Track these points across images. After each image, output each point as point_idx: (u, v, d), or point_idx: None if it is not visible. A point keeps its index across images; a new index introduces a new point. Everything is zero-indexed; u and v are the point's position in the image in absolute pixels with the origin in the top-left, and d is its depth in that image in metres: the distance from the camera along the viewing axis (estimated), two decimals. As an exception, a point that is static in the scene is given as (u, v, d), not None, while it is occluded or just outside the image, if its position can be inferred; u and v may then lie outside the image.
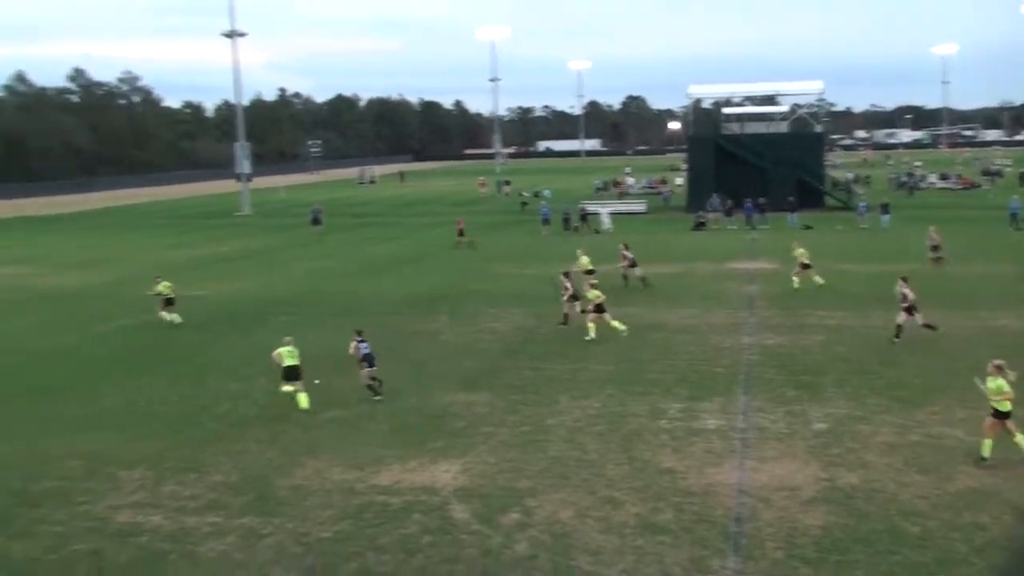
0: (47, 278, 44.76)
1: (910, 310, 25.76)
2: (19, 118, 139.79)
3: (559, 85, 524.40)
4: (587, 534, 14.18)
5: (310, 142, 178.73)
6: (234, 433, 19.72)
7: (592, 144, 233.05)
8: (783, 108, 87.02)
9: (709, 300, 33.47)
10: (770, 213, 58.93)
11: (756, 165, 66.94)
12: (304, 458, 17.96)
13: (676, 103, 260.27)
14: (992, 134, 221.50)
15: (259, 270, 45.77)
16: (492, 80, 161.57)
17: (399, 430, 19.57)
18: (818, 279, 34.66)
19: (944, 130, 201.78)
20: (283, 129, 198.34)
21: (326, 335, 28.12)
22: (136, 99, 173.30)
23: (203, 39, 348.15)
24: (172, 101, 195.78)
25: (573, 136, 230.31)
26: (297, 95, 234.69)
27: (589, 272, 34.00)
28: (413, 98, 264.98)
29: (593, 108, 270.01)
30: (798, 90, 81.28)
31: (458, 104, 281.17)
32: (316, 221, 62.80)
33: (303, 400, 21.16)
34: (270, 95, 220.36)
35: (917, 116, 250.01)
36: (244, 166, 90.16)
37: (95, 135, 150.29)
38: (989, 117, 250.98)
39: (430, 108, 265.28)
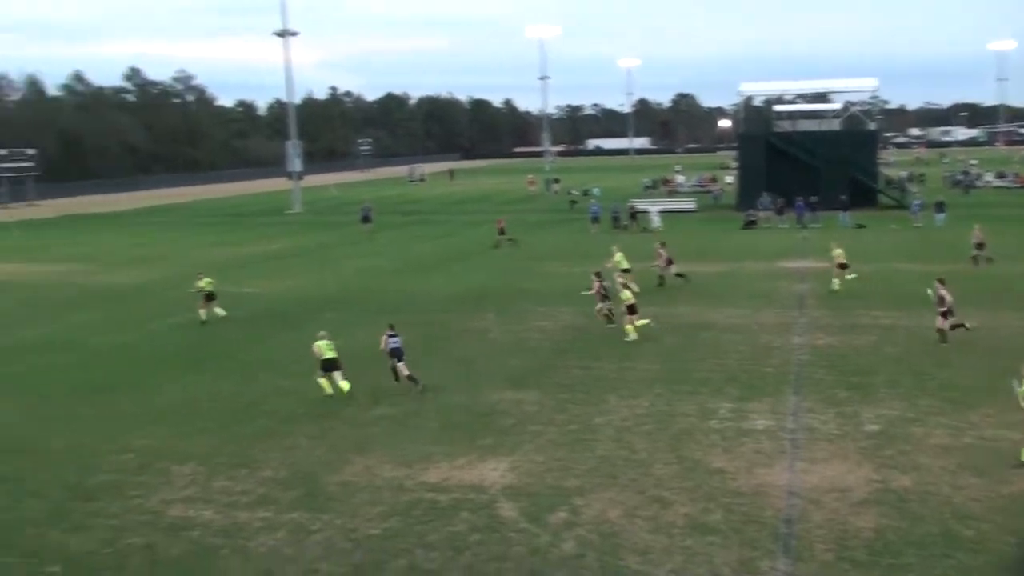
0: (103, 275, 45.48)
1: (946, 313, 25.34)
2: (77, 117, 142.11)
3: (609, 83, 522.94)
4: (635, 534, 14.14)
5: (360, 140, 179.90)
6: (284, 429, 19.91)
7: (641, 142, 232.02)
8: (836, 106, 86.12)
9: (759, 299, 33.20)
10: (822, 212, 58.32)
11: (808, 163, 66.24)
12: (353, 455, 18.09)
13: (726, 101, 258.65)
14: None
15: (310, 268, 46.16)
16: (542, 78, 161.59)
17: (447, 428, 19.65)
18: (836, 282, 33.96)
19: (1000, 128, 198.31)
20: (334, 127, 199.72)
21: (376, 333, 28.22)
22: (190, 98, 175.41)
23: (256, 39, 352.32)
24: (225, 100, 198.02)
25: (622, 134, 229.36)
26: (348, 94, 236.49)
27: (625, 271, 33.92)
28: (463, 96, 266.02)
29: (643, 106, 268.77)
30: (851, 87, 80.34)
31: (507, 102, 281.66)
32: (366, 219, 63.17)
33: (345, 385, 21.81)
34: (321, 94, 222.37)
35: (973, 113, 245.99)
36: (295, 164, 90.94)
37: (150, 134, 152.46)
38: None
39: (480, 106, 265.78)
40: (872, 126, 76.52)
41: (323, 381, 22.05)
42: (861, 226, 54.82)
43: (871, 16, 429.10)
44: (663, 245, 37.24)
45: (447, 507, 15.37)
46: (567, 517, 14.82)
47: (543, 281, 38.66)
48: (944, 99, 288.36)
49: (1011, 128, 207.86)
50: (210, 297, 31.97)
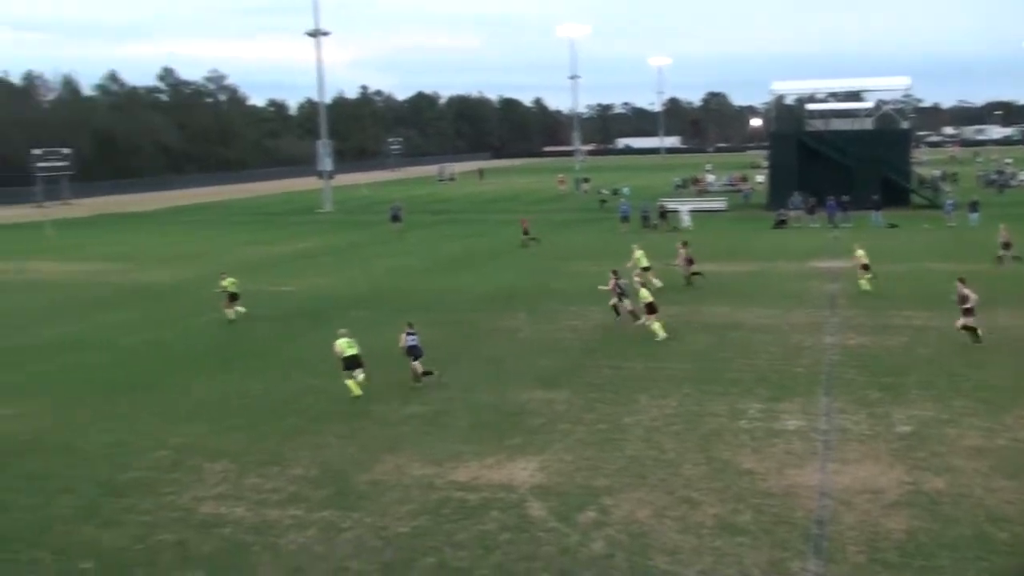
0: (136, 274, 45.89)
1: (970, 311, 25.10)
2: (111, 117, 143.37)
3: (639, 82, 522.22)
4: (664, 534, 14.11)
5: (391, 139, 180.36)
6: (315, 428, 20.01)
7: (672, 141, 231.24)
8: (868, 104, 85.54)
9: (789, 299, 33.02)
10: (853, 211, 57.91)
11: (840, 162, 65.81)
12: (383, 453, 18.16)
13: (758, 100, 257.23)
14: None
15: (340, 267, 46.36)
16: (572, 77, 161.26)
17: (477, 427, 19.68)
18: (864, 282, 33.79)
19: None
20: (364, 127, 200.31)
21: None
22: (222, 98, 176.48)
23: (287, 38, 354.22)
24: (257, 100, 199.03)
25: (653, 133, 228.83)
26: (379, 93, 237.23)
27: (645, 269, 34.01)
28: (493, 95, 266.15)
29: (673, 105, 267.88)
30: (884, 86, 79.73)
31: (538, 101, 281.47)
32: (396, 218, 63.37)
33: (355, 387, 21.94)
34: (352, 93, 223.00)
35: (1007, 112, 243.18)
36: (326, 163, 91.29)
37: (183, 133, 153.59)
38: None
39: (510, 105, 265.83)
40: (905, 125, 75.92)
41: (351, 383, 22.07)
42: (893, 226, 54.39)
43: (905, 14, 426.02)
44: (684, 244, 37.27)
45: (476, 506, 15.40)
46: (596, 517, 14.81)
47: (572, 280, 38.61)
48: (978, 97, 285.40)
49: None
50: (233, 297, 32.25)
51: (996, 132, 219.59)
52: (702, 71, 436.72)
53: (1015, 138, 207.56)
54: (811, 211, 59.04)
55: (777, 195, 65.84)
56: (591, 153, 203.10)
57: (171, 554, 14.04)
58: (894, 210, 59.79)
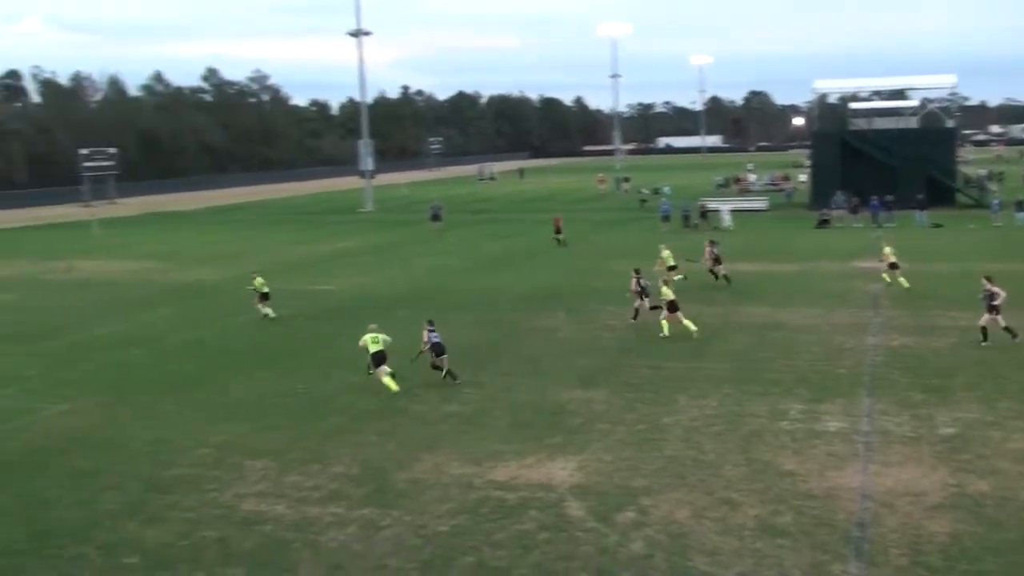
0: (180, 273, 46.40)
1: (996, 308, 24.76)
2: (156, 117, 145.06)
3: (680, 81, 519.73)
4: (704, 535, 14.05)
5: (431, 139, 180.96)
6: (355, 426, 20.14)
7: (713, 140, 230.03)
8: (913, 103, 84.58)
9: (832, 299, 32.75)
10: (898, 211, 57.29)
11: (883, 161, 65.13)
12: (422, 452, 18.23)
13: (800, 98, 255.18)
14: None
15: (381, 266, 46.58)
16: (613, 76, 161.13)
17: (516, 426, 19.70)
18: (885, 277, 34.14)
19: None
20: (405, 126, 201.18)
21: (446, 330, 28.34)
22: (265, 98, 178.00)
23: (329, 38, 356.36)
24: (299, 100, 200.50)
25: (694, 132, 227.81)
26: (420, 92, 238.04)
27: (671, 268, 34.14)
28: (533, 95, 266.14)
29: (714, 104, 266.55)
30: (929, 84, 78.85)
31: (578, 101, 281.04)
32: (436, 217, 63.57)
33: (391, 383, 22.25)
34: (393, 93, 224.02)
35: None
36: (367, 163, 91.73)
37: (227, 133, 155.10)
38: None
39: (550, 105, 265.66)
40: (950, 123, 75.09)
41: (387, 380, 22.26)
42: (938, 225, 53.77)
43: (950, 11, 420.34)
44: (712, 243, 37.29)
45: (515, 505, 15.42)
46: (635, 517, 14.78)
47: (612, 280, 38.46)
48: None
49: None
50: (264, 296, 32.60)
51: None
52: (744, 70, 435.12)
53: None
54: (854, 211, 58.49)
55: (820, 195, 65.29)
56: (631, 152, 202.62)
57: (213, 550, 14.20)
58: (939, 210, 59.11)
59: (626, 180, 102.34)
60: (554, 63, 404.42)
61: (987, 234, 50.84)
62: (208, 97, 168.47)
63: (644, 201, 78.47)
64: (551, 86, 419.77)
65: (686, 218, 59.51)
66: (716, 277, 36.22)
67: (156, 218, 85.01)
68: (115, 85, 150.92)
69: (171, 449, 18.98)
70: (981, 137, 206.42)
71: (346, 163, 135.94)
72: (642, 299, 29.53)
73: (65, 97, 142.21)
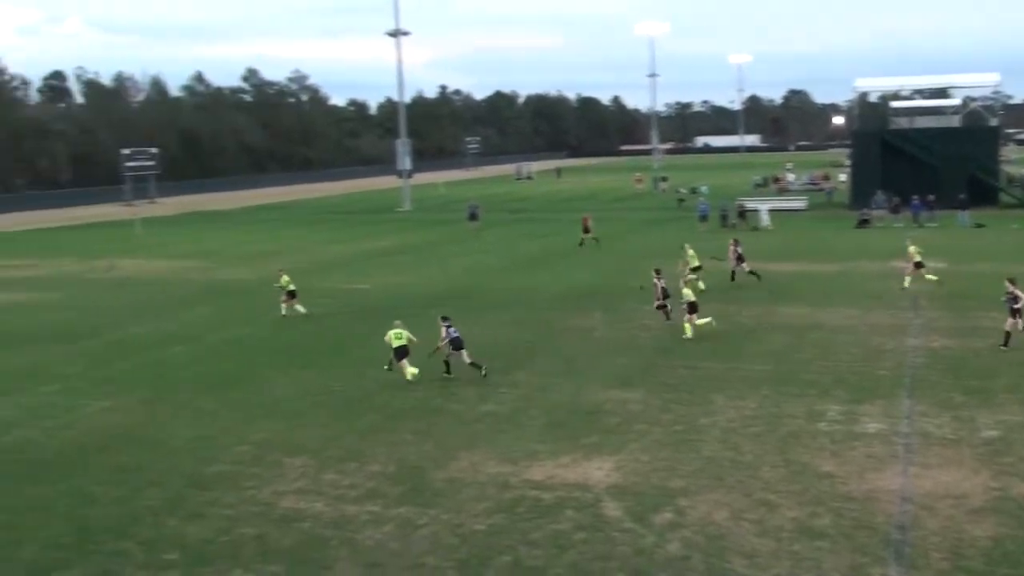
0: (220, 271, 46.81)
1: (1018, 312, 24.37)
2: (197, 117, 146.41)
3: (719, 80, 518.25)
4: (742, 536, 13.98)
5: (469, 139, 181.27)
6: (392, 425, 20.22)
7: (752, 140, 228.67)
8: (955, 101, 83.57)
9: (871, 300, 32.46)
10: (939, 211, 56.67)
11: (925, 161, 64.43)
12: (459, 451, 18.27)
13: (840, 97, 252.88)
14: None
15: (418, 265, 46.73)
16: (651, 76, 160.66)
17: (552, 426, 19.69)
18: (930, 277, 33.75)
19: None
20: (443, 126, 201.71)
21: (483, 329, 28.49)
22: (304, 98, 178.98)
23: (368, 38, 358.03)
24: (338, 99, 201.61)
25: (732, 132, 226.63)
26: (457, 92, 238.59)
27: (695, 269, 34.02)
28: (571, 94, 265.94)
29: (753, 103, 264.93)
30: (972, 82, 77.91)
31: (616, 100, 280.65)
32: (473, 217, 63.69)
33: (409, 372, 23.06)
34: (431, 92, 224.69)
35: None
36: (405, 163, 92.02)
37: (266, 133, 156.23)
38: None
39: (587, 104, 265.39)
40: (994, 122, 74.09)
41: (408, 368, 23.05)
42: (981, 225, 53.14)
43: (992, 8, 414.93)
44: (735, 242, 37.07)
45: (552, 505, 15.42)
46: (672, 518, 14.73)
47: (649, 279, 38.36)
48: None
49: None
50: (292, 294, 32.85)
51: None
52: (783, 68, 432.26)
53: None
54: (895, 210, 57.93)
55: (860, 194, 64.71)
56: (669, 152, 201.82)
57: (252, 547, 14.31)
58: (981, 209, 58.43)
59: (664, 179, 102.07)
60: (592, 62, 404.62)
61: (1031, 234, 50.15)
62: (248, 97, 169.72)
63: (682, 200, 78.19)
64: (589, 85, 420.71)
65: (724, 218, 59.20)
66: (734, 277, 36.01)
67: (195, 217, 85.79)
68: (157, 85, 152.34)
69: (211, 446, 19.16)
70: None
71: (384, 163, 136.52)
72: (665, 298, 29.37)
73: (108, 97, 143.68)
